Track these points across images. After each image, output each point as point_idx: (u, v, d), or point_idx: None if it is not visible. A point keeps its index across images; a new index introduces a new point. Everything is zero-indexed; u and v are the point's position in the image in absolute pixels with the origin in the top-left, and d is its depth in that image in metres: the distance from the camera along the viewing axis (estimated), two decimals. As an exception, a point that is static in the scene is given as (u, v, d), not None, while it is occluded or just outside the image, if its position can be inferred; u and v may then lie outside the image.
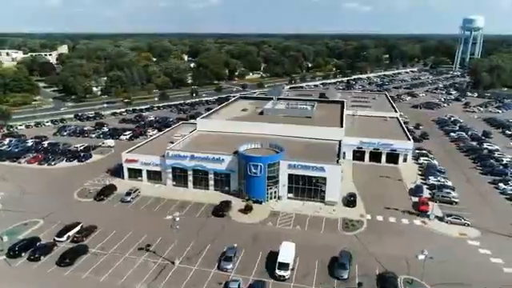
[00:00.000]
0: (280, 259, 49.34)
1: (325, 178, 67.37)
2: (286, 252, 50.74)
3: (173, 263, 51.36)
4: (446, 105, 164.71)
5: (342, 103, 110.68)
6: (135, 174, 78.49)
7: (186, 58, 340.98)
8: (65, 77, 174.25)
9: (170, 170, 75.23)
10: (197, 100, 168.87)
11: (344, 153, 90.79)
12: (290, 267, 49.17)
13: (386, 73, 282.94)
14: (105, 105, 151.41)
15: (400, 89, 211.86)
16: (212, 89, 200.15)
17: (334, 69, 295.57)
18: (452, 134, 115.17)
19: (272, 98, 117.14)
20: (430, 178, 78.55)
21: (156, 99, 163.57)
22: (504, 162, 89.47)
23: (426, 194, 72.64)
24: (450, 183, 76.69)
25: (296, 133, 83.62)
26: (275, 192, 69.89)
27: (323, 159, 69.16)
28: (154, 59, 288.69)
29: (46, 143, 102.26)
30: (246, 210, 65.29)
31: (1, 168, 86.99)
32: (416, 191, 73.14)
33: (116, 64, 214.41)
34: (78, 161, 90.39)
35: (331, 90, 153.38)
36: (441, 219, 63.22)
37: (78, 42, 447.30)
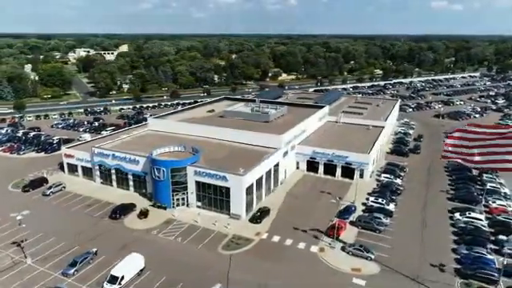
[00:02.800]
0: (112, 271, 46.22)
1: (229, 189, 62.03)
2: (127, 264, 47.39)
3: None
4: (477, 115, 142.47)
5: (322, 108, 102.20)
6: (73, 169, 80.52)
7: (234, 57, 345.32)
8: (92, 74, 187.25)
9: (97, 168, 75.73)
10: (207, 100, 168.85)
11: (298, 162, 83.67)
12: (124, 281, 45.78)
13: (437, 77, 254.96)
14: (113, 101, 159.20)
15: (439, 95, 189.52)
16: (228, 89, 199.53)
17: (381, 71, 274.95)
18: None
19: (255, 100, 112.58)
20: (369, 198, 68.09)
21: (164, 97, 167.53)
22: (487, 187, 74.03)
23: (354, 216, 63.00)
24: (391, 207, 65.55)
25: (237, 138, 78.51)
26: (183, 199, 66.29)
27: (240, 167, 63.38)
28: (202, 58, 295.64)
29: (31, 134, 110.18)
30: (141, 215, 62.79)
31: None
32: (344, 212, 63.87)
33: (150, 63, 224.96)
34: (44, 152, 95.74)
35: (332, 93, 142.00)
36: (343, 248, 54.12)
37: (146, 42, 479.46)
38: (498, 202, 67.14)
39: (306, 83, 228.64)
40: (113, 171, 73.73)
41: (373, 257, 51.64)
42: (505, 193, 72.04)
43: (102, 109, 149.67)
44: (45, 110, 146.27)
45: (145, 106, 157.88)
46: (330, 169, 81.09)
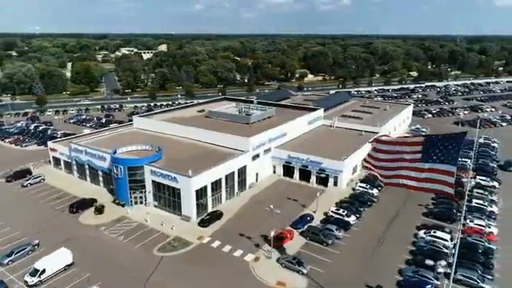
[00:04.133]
0: (35, 264, 47.55)
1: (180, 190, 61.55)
2: (52, 259, 48.55)
3: (-27, 248, 54.24)
4: (505, 124, 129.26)
5: (314, 111, 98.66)
6: (58, 162, 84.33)
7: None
8: (117, 72, 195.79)
9: (75, 163, 78.67)
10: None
11: (274, 166, 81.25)
12: (45, 275, 46.95)
13: (477, 81, 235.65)
14: (128, 98, 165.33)
15: (471, 100, 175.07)
16: (245, 89, 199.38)
17: (416, 73, 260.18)
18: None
19: (252, 101, 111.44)
20: (332, 208, 64.20)
21: (179, 96, 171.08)
22: (473, 203, 66.82)
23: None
24: (351, 219, 61.26)
25: (209, 138, 77.75)
26: (141, 197, 66.83)
27: (195, 169, 62.64)
28: (238, 58, 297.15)
29: (40, 128, 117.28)
30: (95, 211, 64.14)
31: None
32: (298, 221, 60.82)
33: (176, 62, 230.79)
34: (44, 145, 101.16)
35: (340, 96, 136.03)
36: (278, 259, 51.40)
37: (188, 42, 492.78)
38: (477, 221, 60.16)
39: (330, 85, 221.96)
40: (86, 166, 76.23)
41: (305, 271, 48.47)
42: (491, 211, 64.47)
43: (117, 106, 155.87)
44: (68, 106, 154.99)
45: (158, 104, 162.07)
46: (305, 174, 77.76)
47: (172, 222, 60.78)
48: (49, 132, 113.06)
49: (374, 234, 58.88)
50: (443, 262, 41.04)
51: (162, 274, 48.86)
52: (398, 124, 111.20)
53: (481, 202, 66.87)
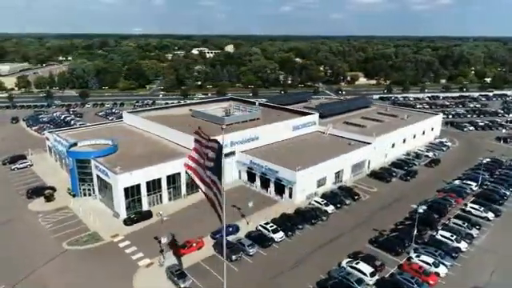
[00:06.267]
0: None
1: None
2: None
3: None
4: None
5: (304, 116, 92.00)
6: (51, 150, 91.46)
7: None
8: (165, 69, 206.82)
9: (57, 152, 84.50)
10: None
11: (239, 171, 77.72)
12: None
13: None
14: (160, 95, 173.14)
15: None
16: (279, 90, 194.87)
17: (489, 79, 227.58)
18: (456, 181, 76.54)
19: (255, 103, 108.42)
20: (261, 222, 58.74)
21: (209, 94, 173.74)
22: (437, 235, 55.49)
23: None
24: (277, 236, 55.28)
25: (176, 138, 77.19)
26: (89, 189, 68.92)
27: (132, 166, 62.87)
28: (298, 59, 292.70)
29: (68, 118, 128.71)
30: (45, 198, 67.74)
31: (16, 129, 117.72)
32: (218, 232, 56.79)
33: (225, 62, 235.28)
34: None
35: (359, 100, 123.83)
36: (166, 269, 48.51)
37: (261, 42, 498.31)
38: (425, 257, 49.63)
39: (378, 89, 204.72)
40: (63, 156, 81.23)
41: (182, 285, 45.00)
42: (456, 248, 52.68)
43: (150, 102, 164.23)
44: (111, 100, 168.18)
45: (188, 102, 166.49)
46: (266, 183, 72.67)
47: (103, 217, 61.56)
48: (72, 122, 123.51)
49: (294, 255, 52.31)
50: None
51: (52, 267, 49.44)
52: (412, 135, 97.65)
53: (448, 234, 55.09)
